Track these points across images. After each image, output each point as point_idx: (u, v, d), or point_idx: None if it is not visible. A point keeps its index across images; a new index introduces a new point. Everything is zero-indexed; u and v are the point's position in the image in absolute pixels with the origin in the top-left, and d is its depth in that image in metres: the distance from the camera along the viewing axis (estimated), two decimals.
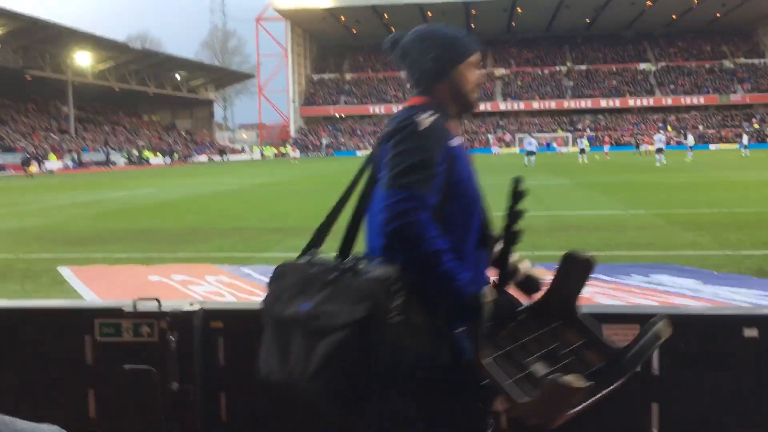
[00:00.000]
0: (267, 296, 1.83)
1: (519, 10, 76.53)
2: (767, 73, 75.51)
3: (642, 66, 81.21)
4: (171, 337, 2.58)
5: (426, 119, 1.81)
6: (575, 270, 1.86)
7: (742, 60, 78.37)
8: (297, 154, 60.11)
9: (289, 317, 1.72)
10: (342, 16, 79.35)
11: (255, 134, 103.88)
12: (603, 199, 15.50)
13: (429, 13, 77.51)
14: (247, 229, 11.55)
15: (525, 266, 2.02)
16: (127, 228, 12.00)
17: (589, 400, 1.62)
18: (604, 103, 77.13)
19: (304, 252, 1.93)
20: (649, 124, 73.62)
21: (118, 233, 11.28)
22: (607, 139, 53.71)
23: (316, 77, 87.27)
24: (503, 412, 1.75)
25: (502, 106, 79.57)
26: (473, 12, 77.43)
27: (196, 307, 2.64)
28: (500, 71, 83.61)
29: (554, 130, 75.17)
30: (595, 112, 77.99)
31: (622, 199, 15.06)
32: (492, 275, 1.96)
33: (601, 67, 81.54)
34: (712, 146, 65.52)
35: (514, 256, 1.97)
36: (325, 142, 78.73)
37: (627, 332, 2.40)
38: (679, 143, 62.90)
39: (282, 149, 77.24)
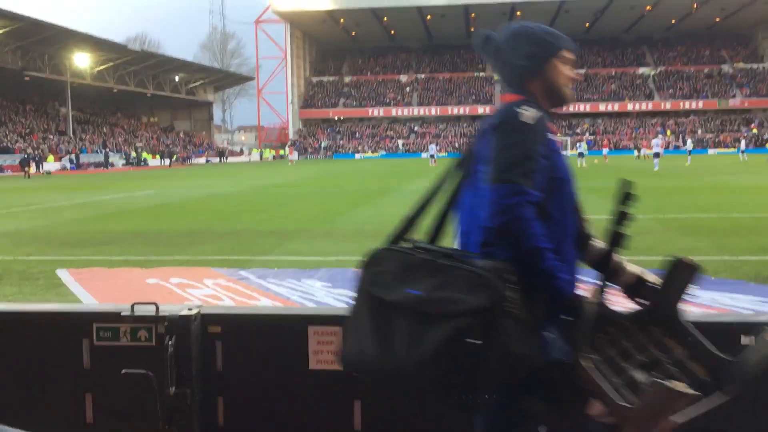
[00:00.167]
0: (362, 280, 1.80)
1: (518, 13, 76.60)
2: (766, 77, 75.66)
3: (641, 70, 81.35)
4: (168, 341, 2.58)
5: (528, 113, 1.82)
6: (681, 276, 1.84)
7: (741, 65, 78.53)
8: (294, 156, 60.07)
9: (396, 301, 1.69)
10: (341, 19, 79.42)
11: (254, 136, 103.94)
12: (601, 204, 15.49)
13: (429, 16, 77.64)
14: (245, 231, 11.55)
15: (634, 269, 1.99)
16: (125, 230, 11.99)
17: (692, 413, 1.58)
18: (603, 107, 77.22)
19: (394, 240, 1.89)
20: (648, 129, 73.72)
21: (116, 235, 11.27)
22: (606, 143, 53.75)
23: (315, 79, 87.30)
24: (596, 417, 1.71)
25: None
26: (473, 15, 77.54)
27: (193, 312, 2.64)
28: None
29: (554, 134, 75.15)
30: (594, 116, 78.10)
31: None
32: (590, 277, 1.93)
33: (600, 71, 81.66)
34: (710, 151, 65.64)
35: (621, 259, 1.95)
36: (323, 144, 78.74)
37: None
38: (677, 147, 63.03)
39: (281, 151, 77.32)
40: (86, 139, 61.48)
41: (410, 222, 1.93)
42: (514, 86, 1.99)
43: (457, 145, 75.35)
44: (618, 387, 1.65)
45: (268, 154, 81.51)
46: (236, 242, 10.23)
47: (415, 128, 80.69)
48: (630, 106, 77.00)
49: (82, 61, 56.95)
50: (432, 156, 47.13)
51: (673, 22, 79.02)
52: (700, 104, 74.99)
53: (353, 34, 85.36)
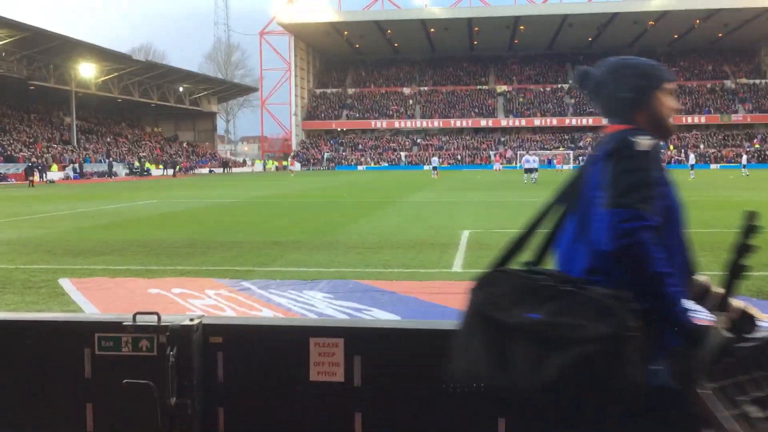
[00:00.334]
0: (475, 300, 1.82)
1: (522, 27, 76.95)
2: None
3: None
4: (170, 351, 2.58)
5: (644, 141, 1.83)
6: None
7: (744, 80, 78.70)
8: (296, 167, 60.18)
9: (514, 324, 1.70)
10: (345, 31, 79.80)
11: (257, 147, 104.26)
12: None
13: (432, 29, 77.97)
14: (248, 242, 11.56)
15: (740, 303, 1.97)
16: (127, 240, 12.01)
17: None
18: (605, 121, 77.25)
19: (501, 262, 1.90)
20: None
21: (119, 245, 11.28)
22: None
23: (318, 91, 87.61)
24: None
25: (504, 122, 79.80)
26: (476, 29, 77.86)
27: (195, 322, 2.64)
28: (502, 88, 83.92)
29: (556, 147, 75.32)
30: (596, 129, 78.19)
31: None
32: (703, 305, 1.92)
33: None
34: (712, 165, 65.64)
35: (718, 289, 1.93)
36: (326, 155, 78.89)
37: None
38: (680, 162, 63.03)
39: (284, 162, 77.48)
40: (90, 148, 61.68)
41: (519, 244, 1.93)
42: (620, 118, 2.01)
43: (459, 157, 75.45)
44: (732, 419, 1.64)
45: (271, 164, 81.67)
46: (238, 253, 10.24)
47: (418, 140, 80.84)
48: None
49: (86, 70, 57.25)
50: (434, 168, 47.18)
51: (675, 37, 79.28)
52: (703, 119, 75.10)
53: (357, 46, 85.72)
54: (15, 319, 2.96)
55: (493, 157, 70.03)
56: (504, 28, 77.56)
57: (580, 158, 45.06)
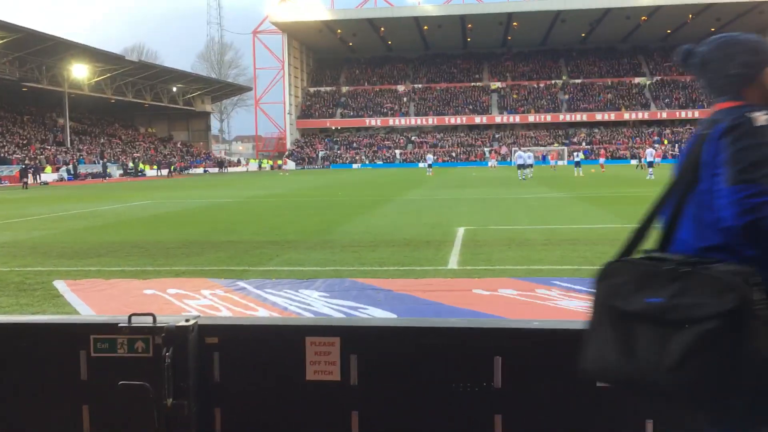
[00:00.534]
0: (598, 293, 1.84)
1: (515, 24, 77.02)
2: None
3: (637, 80, 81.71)
4: (166, 352, 2.57)
5: (761, 116, 1.82)
6: None
7: None
8: (289, 166, 60.14)
9: (636, 311, 1.72)
10: (338, 30, 79.74)
11: (251, 146, 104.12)
12: (598, 213, 15.53)
13: (425, 26, 77.97)
14: (243, 242, 11.54)
15: None
16: (122, 241, 11.97)
17: None
18: (599, 116, 77.49)
19: (625, 253, 1.93)
20: (645, 138, 73.96)
21: (114, 246, 11.25)
22: (602, 152, 53.92)
23: (312, 90, 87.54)
24: None
25: (498, 119, 79.88)
26: (469, 26, 77.89)
27: (191, 323, 2.63)
28: (496, 84, 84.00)
29: (550, 143, 75.44)
30: (590, 125, 78.35)
31: (618, 213, 15.08)
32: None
33: (596, 80, 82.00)
34: None
35: None
36: (321, 154, 78.85)
37: None
38: (674, 156, 63.14)
39: (278, 162, 77.45)
40: (84, 149, 61.53)
41: (641, 233, 1.96)
42: (729, 94, 2.00)
43: (454, 154, 75.49)
44: None
45: (266, 164, 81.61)
46: (234, 252, 10.22)
47: (413, 138, 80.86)
48: (626, 116, 77.29)
49: (79, 71, 57.09)
50: (429, 165, 47.17)
51: (668, 32, 79.45)
52: (696, 113, 75.29)
53: (350, 44, 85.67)
54: (10, 322, 2.94)
55: (488, 154, 70.15)
56: (497, 24, 77.62)
57: (574, 153, 45.03)
